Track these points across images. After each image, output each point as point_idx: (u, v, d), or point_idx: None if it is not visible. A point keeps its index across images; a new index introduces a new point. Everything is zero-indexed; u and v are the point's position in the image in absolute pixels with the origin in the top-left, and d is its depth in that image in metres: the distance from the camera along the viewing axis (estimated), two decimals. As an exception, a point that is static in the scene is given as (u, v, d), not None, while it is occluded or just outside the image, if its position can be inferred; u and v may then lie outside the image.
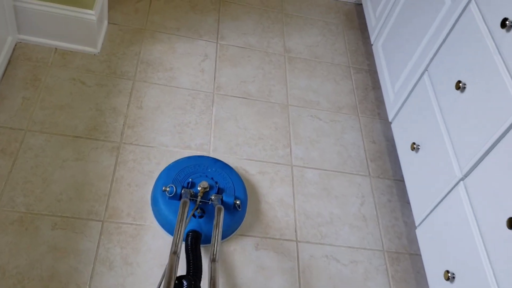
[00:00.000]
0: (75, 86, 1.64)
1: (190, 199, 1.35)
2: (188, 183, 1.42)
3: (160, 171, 1.49)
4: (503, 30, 1.17)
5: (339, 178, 1.67)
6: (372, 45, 1.98)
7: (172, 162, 1.49)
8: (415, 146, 1.50)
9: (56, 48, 1.72)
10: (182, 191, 1.37)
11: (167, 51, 1.85)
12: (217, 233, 1.24)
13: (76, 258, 1.29)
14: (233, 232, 1.44)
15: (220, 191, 1.43)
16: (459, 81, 1.30)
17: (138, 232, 1.38)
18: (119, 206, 1.41)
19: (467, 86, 1.28)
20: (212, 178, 1.46)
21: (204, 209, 1.38)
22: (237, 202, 1.41)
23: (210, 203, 1.39)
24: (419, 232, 1.42)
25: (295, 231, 1.50)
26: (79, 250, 1.30)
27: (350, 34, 2.20)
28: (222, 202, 1.39)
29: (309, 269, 1.43)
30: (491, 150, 1.17)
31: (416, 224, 1.44)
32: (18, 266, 1.24)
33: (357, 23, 2.26)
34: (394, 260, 1.51)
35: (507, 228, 1.06)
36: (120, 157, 1.52)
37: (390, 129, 1.87)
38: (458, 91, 1.32)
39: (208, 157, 1.54)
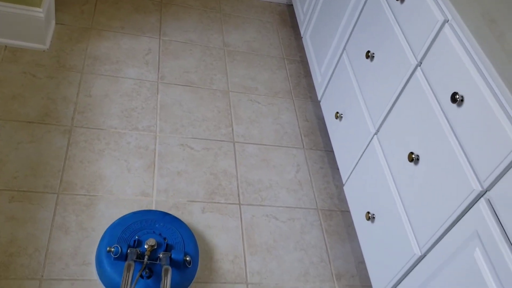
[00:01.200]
0: (26, 78, 1.75)
1: (136, 260, 1.28)
2: (134, 241, 1.33)
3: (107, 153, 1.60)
4: (398, 2, 1.40)
5: (277, 151, 1.85)
6: (302, 37, 2.20)
7: (117, 219, 1.41)
8: (338, 114, 1.70)
9: (6, 46, 1.82)
10: (128, 250, 1.29)
11: (113, 47, 1.99)
12: None
13: (33, 226, 1.39)
14: None
15: (169, 248, 1.36)
16: (368, 51, 1.52)
17: (92, 201, 1.49)
18: (72, 180, 1.52)
19: (375, 55, 1.50)
20: (160, 234, 1.38)
21: (152, 269, 1.31)
22: (187, 258, 1.34)
23: (158, 262, 1.32)
24: (346, 188, 1.61)
25: (238, 196, 1.66)
26: (36, 219, 1.40)
27: (284, 31, 2.41)
28: (171, 260, 1.32)
29: (251, 227, 1.59)
30: (394, 105, 1.38)
31: (343, 182, 1.63)
32: (-22, 234, 1.33)
33: (289, 21, 2.48)
34: (327, 216, 1.69)
35: (408, 162, 1.26)
36: (72, 138, 1.63)
37: (320, 109, 2.07)
38: (368, 60, 1.54)
39: (156, 211, 1.46)
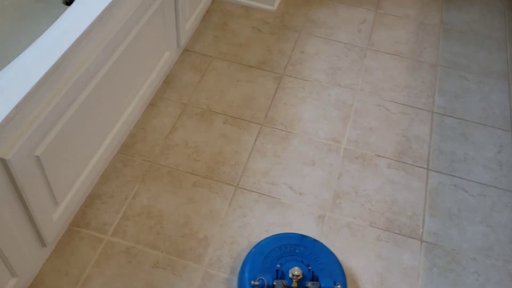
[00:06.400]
0: (253, 32, 2.02)
1: None
2: (277, 270, 1.25)
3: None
4: None
5: (479, 128, 1.74)
6: (533, 19, 2.01)
7: (254, 247, 1.32)
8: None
9: (242, 4, 2.13)
10: (274, 283, 1.20)
11: (331, 14, 2.14)
12: None
13: (237, 145, 1.61)
14: None
15: (314, 277, 1.24)
16: None
17: (287, 136, 1.66)
18: (275, 117, 1.71)
19: None
20: (302, 261, 1.28)
21: None
22: (338, 286, 1.22)
23: None
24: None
25: (427, 161, 1.62)
26: (240, 140, 1.63)
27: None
28: None
29: (436, 192, 1.54)
30: None
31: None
32: (196, 141, 1.61)
33: (522, 6, 2.28)
34: (527, 201, 1.53)
35: None
36: (281, 84, 1.83)
37: (542, 95, 1.86)
38: None
39: (293, 234, 1.34)
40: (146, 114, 1.67)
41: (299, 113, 1.73)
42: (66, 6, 1.86)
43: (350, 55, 1.98)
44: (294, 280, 1.21)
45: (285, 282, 1.21)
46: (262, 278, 1.20)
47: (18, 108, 1.01)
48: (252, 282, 1.21)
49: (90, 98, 1.25)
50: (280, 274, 1.24)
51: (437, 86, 1.88)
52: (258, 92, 1.79)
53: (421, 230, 1.45)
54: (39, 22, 1.76)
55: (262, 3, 2.12)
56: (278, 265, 1.26)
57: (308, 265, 1.26)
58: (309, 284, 1.20)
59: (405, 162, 1.62)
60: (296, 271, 1.22)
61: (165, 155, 1.56)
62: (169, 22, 1.65)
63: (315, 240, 1.33)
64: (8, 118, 0.98)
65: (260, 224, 1.42)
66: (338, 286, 1.21)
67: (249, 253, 1.30)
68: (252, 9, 2.12)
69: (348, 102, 1.79)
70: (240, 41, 1.98)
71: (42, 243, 1.23)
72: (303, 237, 1.33)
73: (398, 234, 1.44)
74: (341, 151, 1.63)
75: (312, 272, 1.25)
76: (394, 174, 1.58)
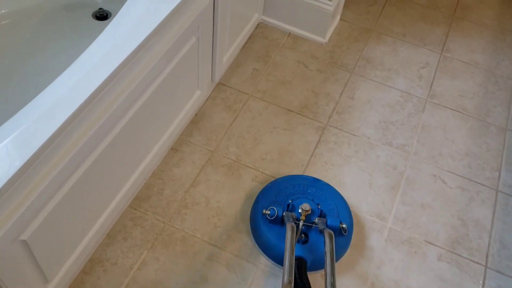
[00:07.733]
0: (298, 67, 1.79)
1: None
2: (288, 205, 1.32)
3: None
4: None
5: (552, 218, 1.47)
6: None
7: (269, 183, 1.41)
8: None
9: (290, 33, 1.90)
10: (284, 214, 1.29)
11: (389, 53, 1.88)
12: (331, 261, 1.12)
13: (266, 211, 1.40)
14: (337, 260, 1.31)
15: (322, 214, 1.32)
16: None
17: (325, 206, 1.43)
18: (313, 178, 1.49)
19: None
20: (313, 200, 1.35)
21: (307, 234, 1.29)
22: (343, 225, 1.28)
23: (314, 227, 1.28)
24: None
25: (486, 256, 1.38)
26: (270, 205, 1.41)
27: None
28: (327, 226, 1.27)
29: (493, 299, 1.30)
30: None
31: None
32: (219, 201, 1.41)
33: None
34: None
35: None
36: (323, 136, 1.60)
37: None
38: None
39: (307, 176, 1.42)
40: (167, 161, 1.48)
41: (341, 176, 1.50)
42: (96, 21, 1.67)
43: (406, 106, 1.72)
44: (302, 214, 1.28)
45: (294, 214, 1.28)
46: (273, 207, 1.29)
47: (2, 191, 0.82)
48: (264, 210, 1.30)
49: (102, 157, 1.06)
50: (291, 208, 1.32)
51: (505, 157, 1.62)
52: (296, 144, 1.57)
53: None
54: (64, 32, 1.61)
55: (312, 33, 1.88)
56: (290, 200, 1.34)
57: (318, 204, 1.34)
58: (316, 219, 1.29)
59: (459, 255, 1.38)
60: (305, 206, 1.28)
61: (182, 216, 1.37)
62: (205, 57, 1.44)
63: (327, 184, 1.41)
64: (-13, 209, 0.80)
65: (281, 319, 1.22)
66: (344, 226, 1.28)
67: (264, 187, 1.40)
68: (300, 39, 1.88)
69: (398, 168, 1.55)
70: (282, 77, 1.75)
71: (27, 325, 1.07)
72: (316, 180, 1.42)
73: None
74: (385, 232, 1.40)
75: (321, 210, 1.32)
76: (445, 269, 1.34)
